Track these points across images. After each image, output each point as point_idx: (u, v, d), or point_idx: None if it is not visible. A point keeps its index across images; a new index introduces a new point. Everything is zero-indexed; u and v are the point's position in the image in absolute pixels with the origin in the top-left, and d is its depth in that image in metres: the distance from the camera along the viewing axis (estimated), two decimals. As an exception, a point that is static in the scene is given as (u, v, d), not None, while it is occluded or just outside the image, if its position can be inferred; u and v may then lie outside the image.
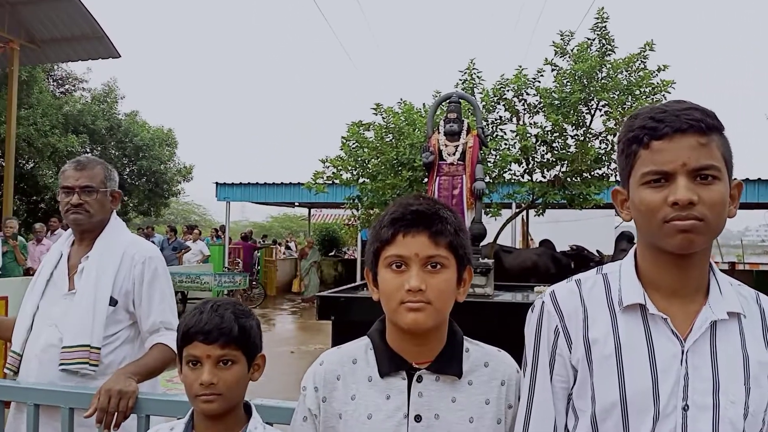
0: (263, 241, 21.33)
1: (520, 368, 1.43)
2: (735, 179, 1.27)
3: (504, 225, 10.57)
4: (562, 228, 19.10)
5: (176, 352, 1.65)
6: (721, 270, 1.38)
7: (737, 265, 20.24)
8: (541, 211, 10.36)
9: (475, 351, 1.45)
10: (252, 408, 1.71)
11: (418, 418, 1.35)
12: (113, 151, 22.07)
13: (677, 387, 1.22)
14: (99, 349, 2.23)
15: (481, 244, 7.28)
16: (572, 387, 1.33)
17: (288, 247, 24.90)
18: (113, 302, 2.29)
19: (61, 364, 2.18)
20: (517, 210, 11.42)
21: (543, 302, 1.38)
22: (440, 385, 1.38)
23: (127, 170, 22.72)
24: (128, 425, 2.01)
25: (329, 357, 1.47)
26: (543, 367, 1.35)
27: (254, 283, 16.39)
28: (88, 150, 21.78)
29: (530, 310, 1.41)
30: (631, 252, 1.36)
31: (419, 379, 1.37)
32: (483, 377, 1.42)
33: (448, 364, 1.39)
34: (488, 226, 7.64)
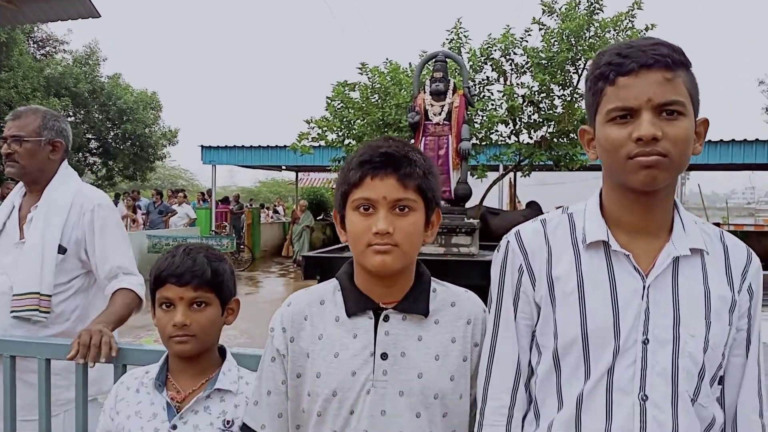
0: (251, 206, 21.26)
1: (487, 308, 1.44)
2: (701, 117, 1.27)
3: (490, 186, 10.57)
4: (548, 190, 19.19)
5: (139, 297, 1.64)
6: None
7: (722, 226, 20.46)
8: (527, 173, 10.36)
9: (442, 291, 1.46)
10: (226, 351, 1.72)
11: (384, 356, 1.36)
12: (96, 115, 21.77)
13: (638, 321, 1.24)
14: (49, 296, 2.24)
15: (468, 205, 7.30)
16: (536, 324, 1.35)
17: (276, 212, 24.89)
18: (62, 250, 2.29)
19: (12, 311, 2.20)
20: (504, 172, 11.41)
21: (508, 241, 1.39)
22: (407, 324, 1.39)
23: (111, 134, 22.48)
24: (106, 375, 2.02)
25: (297, 298, 1.48)
26: (507, 304, 1.37)
27: (242, 246, 16.39)
28: (71, 113, 21.47)
29: (496, 249, 1.42)
30: (597, 191, 1.37)
31: (386, 319, 1.38)
32: (449, 316, 1.43)
33: (415, 304, 1.40)
34: (475, 188, 7.65)
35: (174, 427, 1.57)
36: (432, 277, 1.48)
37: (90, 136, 22.45)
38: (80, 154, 22.26)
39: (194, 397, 1.61)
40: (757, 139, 14.89)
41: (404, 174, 1.33)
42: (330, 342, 1.39)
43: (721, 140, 14.76)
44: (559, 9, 9.14)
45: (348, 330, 1.39)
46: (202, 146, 17.94)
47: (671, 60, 1.19)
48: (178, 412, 1.59)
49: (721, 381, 1.32)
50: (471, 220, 6.75)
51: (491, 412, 1.36)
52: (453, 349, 1.40)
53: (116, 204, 15.58)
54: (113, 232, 2.38)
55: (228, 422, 1.58)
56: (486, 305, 1.46)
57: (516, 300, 1.36)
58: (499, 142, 9.90)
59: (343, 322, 1.40)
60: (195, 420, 1.58)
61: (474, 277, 6.01)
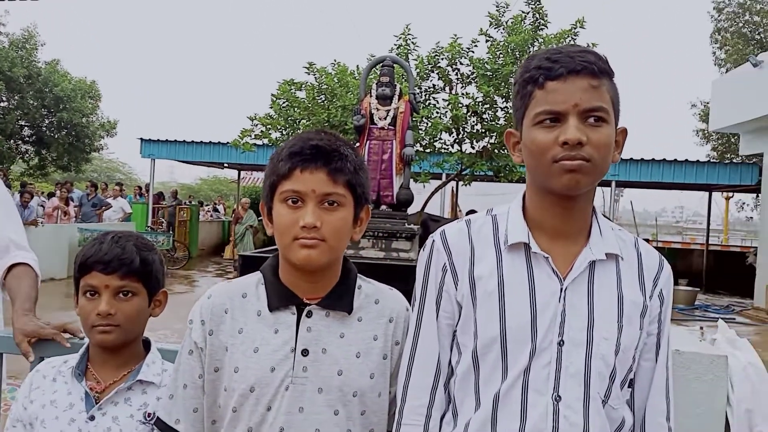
0: (189, 202, 20.81)
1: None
2: (621, 127, 1.31)
3: (432, 194, 10.67)
4: (490, 201, 19.48)
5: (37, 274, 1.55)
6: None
7: (651, 242, 21.26)
8: (468, 182, 10.51)
9: (367, 288, 1.46)
10: (151, 344, 1.67)
11: (305, 353, 1.34)
12: (31, 101, 20.92)
13: (554, 323, 1.26)
14: None
15: (410, 211, 7.35)
16: (457, 323, 1.35)
17: (216, 210, 24.45)
18: None
19: None
20: (446, 180, 11.55)
21: (433, 241, 1.40)
22: (329, 321, 1.38)
23: (46, 122, 21.65)
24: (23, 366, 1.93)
25: (218, 290, 1.44)
26: (430, 303, 1.37)
27: (178, 244, 16.02)
28: (4, 98, 20.58)
29: (422, 249, 1.43)
30: (520, 194, 1.39)
31: (309, 314, 1.37)
32: (372, 314, 1.42)
33: (339, 301, 1.39)
34: (417, 194, 7.70)
35: (91, 417, 1.52)
36: (358, 274, 1.46)
37: (23, 123, 21.57)
38: (12, 141, 21.35)
39: (115, 388, 1.56)
40: (686, 160, 15.57)
41: (335, 168, 1.32)
42: (250, 336, 1.36)
43: (653, 159, 15.36)
44: (506, 22, 9.34)
45: (269, 325, 1.36)
46: (141, 139, 17.45)
47: (597, 68, 1.23)
48: (97, 403, 1.54)
49: (632, 384, 1.36)
50: (411, 226, 6.79)
51: (410, 411, 1.35)
52: (374, 346, 1.40)
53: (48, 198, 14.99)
54: (4, 205, 2.26)
55: (149, 415, 1.54)
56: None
57: (439, 299, 1.36)
58: (442, 150, 10.01)
59: (264, 317, 1.37)
60: (114, 411, 1.53)
61: (412, 282, 6.05)
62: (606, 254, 1.30)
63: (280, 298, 1.38)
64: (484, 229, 1.37)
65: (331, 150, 1.33)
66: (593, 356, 1.26)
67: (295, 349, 1.34)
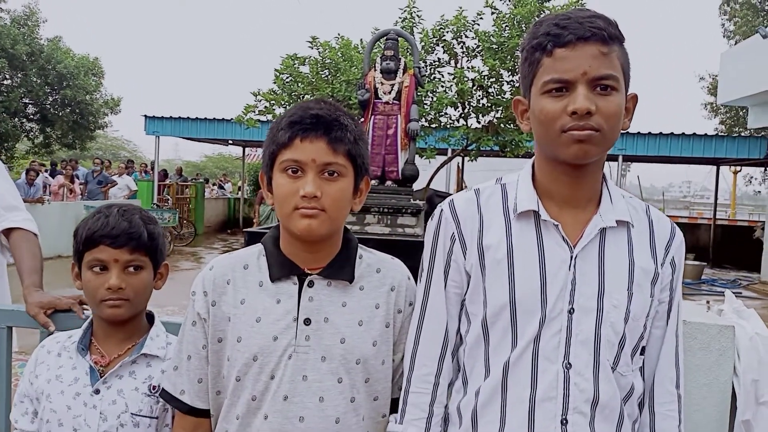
0: (195, 180, 20.82)
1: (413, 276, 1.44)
2: (631, 93, 1.29)
3: (438, 169, 10.64)
4: (495, 176, 19.40)
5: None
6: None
7: (658, 217, 21.14)
8: (474, 157, 10.45)
9: (369, 257, 1.45)
10: (155, 317, 1.67)
11: (307, 322, 1.34)
12: (34, 79, 20.80)
13: (564, 291, 1.26)
14: None
15: (415, 187, 7.32)
16: (465, 292, 1.36)
17: (221, 187, 24.47)
18: None
19: None
20: (451, 155, 11.50)
21: (441, 210, 1.39)
22: (331, 290, 1.38)
23: (50, 99, 21.55)
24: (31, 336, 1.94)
25: (220, 262, 1.44)
26: (438, 272, 1.37)
27: (185, 221, 16.06)
28: (7, 76, 20.50)
29: (430, 218, 1.42)
30: (530, 163, 1.38)
31: (310, 284, 1.37)
32: (374, 283, 1.42)
33: (340, 270, 1.39)
34: (422, 170, 7.67)
35: (97, 391, 1.52)
36: (359, 245, 1.46)
37: (27, 101, 21.50)
38: (16, 119, 21.32)
39: (119, 361, 1.56)
40: (694, 134, 15.44)
41: (335, 138, 1.31)
42: (252, 306, 1.36)
43: (660, 133, 15.24)
44: (512, -6, 9.21)
45: (271, 295, 1.37)
46: (145, 116, 17.42)
47: (607, 34, 1.20)
48: (101, 377, 1.54)
49: (644, 352, 1.35)
50: (417, 201, 6.77)
51: (418, 379, 1.37)
52: (376, 315, 1.40)
53: (53, 175, 15.02)
54: None
55: (154, 387, 1.54)
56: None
57: (447, 268, 1.36)
58: (448, 125, 9.95)
59: (266, 287, 1.37)
60: (119, 384, 1.54)
61: (418, 258, 6.06)
62: (616, 221, 1.30)
63: (281, 268, 1.37)
64: (494, 198, 1.36)
65: (331, 119, 1.32)
66: (603, 324, 1.26)
67: (297, 318, 1.34)
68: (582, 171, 1.28)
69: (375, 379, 1.39)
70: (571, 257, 1.27)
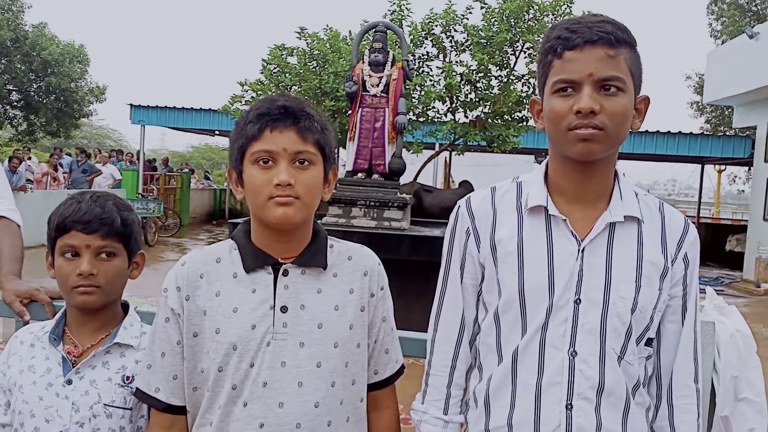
0: (181, 170, 20.67)
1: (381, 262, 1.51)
2: (642, 95, 1.34)
3: (425, 164, 10.63)
4: (482, 171, 19.49)
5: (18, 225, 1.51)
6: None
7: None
8: (461, 152, 10.45)
9: (339, 246, 1.48)
10: (129, 306, 1.64)
11: (284, 309, 1.36)
12: (19, 65, 20.56)
13: (571, 282, 1.32)
14: None
15: (402, 181, 7.30)
16: (480, 283, 1.44)
17: (207, 178, 24.34)
18: None
19: None
20: (439, 149, 11.49)
21: (459, 206, 1.48)
22: (306, 278, 1.40)
23: (34, 86, 21.33)
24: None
25: (192, 257, 1.44)
26: (455, 264, 1.47)
27: (170, 212, 15.96)
28: (-10, 62, 20.23)
29: (452, 213, 1.50)
30: (545, 161, 1.44)
31: (285, 273, 1.38)
32: (347, 269, 1.45)
33: (314, 258, 1.41)
34: (410, 164, 7.65)
35: (69, 381, 1.49)
36: (328, 235, 1.49)
37: (11, 88, 21.25)
38: (0, 106, 21.06)
39: (92, 351, 1.53)
40: (680, 132, 15.55)
41: (303, 127, 1.34)
42: (228, 297, 1.37)
43: (646, 131, 15.32)
44: (501, -12, 9.19)
45: (246, 285, 1.37)
46: (131, 105, 17.28)
47: (614, 37, 1.26)
48: (74, 367, 1.51)
49: (649, 342, 1.39)
50: (403, 195, 6.76)
51: (436, 363, 1.49)
52: (351, 299, 1.43)
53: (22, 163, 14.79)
54: None
55: (128, 378, 1.52)
56: (398, 271, 1.49)
57: (463, 261, 1.45)
58: (435, 119, 9.93)
59: (241, 278, 1.38)
60: (92, 375, 1.51)
61: (404, 251, 6.05)
62: (625, 216, 1.34)
63: (255, 259, 1.38)
64: (508, 195, 1.44)
65: (298, 110, 1.35)
66: (609, 314, 1.31)
67: (274, 306, 1.35)
68: (591, 168, 1.33)
69: (352, 362, 1.41)
70: (579, 250, 1.33)
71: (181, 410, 1.41)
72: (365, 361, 1.45)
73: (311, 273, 1.40)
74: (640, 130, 15.14)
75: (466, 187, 12.30)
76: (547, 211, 1.36)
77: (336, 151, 1.46)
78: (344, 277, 1.44)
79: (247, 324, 1.34)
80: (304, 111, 1.35)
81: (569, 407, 1.30)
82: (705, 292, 2.01)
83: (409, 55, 8.43)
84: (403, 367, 1.55)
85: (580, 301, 1.31)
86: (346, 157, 6.77)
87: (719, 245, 16.54)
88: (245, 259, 1.39)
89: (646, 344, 1.38)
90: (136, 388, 1.45)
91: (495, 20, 9.05)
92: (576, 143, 1.26)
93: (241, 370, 1.34)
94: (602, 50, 1.25)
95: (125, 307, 1.65)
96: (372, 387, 1.49)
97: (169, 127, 19.21)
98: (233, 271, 1.39)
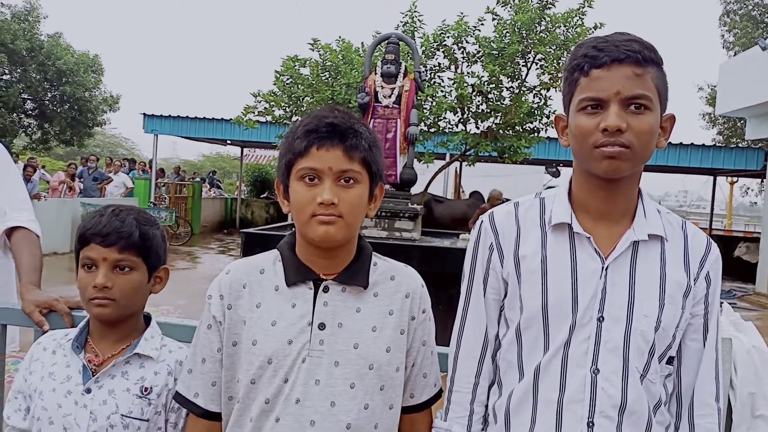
0: (192, 179, 20.78)
1: (425, 284, 1.49)
2: (668, 113, 1.34)
3: (436, 174, 10.63)
4: (493, 182, 19.43)
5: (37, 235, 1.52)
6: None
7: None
8: (472, 162, 10.45)
9: (383, 265, 1.47)
10: (152, 319, 1.66)
11: (321, 326, 1.36)
12: (34, 74, 20.80)
13: (594, 299, 1.32)
14: None
15: (413, 191, 7.31)
16: (503, 298, 1.43)
17: (218, 187, 24.44)
18: None
19: None
20: (450, 160, 11.49)
21: (482, 221, 1.47)
22: (346, 296, 1.39)
23: (49, 95, 21.56)
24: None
25: (236, 266, 1.45)
26: (478, 279, 1.46)
27: (182, 220, 16.04)
28: (6, 71, 20.47)
29: (474, 228, 1.50)
30: (569, 177, 1.45)
31: (326, 289, 1.38)
32: (388, 290, 1.44)
33: (355, 276, 1.41)
34: (420, 174, 7.65)
35: (88, 390, 1.51)
36: (373, 252, 1.47)
37: (26, 96, 21.48)
38: (15, 114, 21.28)
39: (112, 361, 1.55)
40: (692, 144, 15.47)
41: (350, 145, 1.33)
42: (268, 310, 1.38)
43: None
44: (513, 0, 9.22)
45: (287, 299, 1.38)
46: (144, 114, 17.40)
47: (642, 56, 1.26)
48: (94, 376, 1.53)
49: (670, 361, 1.39)
50: (414, 206, 6.77)
51: (459, 380, 1.46)
52: (390, 321, 1.41)
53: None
54: (8, 170, 2.23)
55: (146, 389, 1.53)
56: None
57: (486, 276, 1.44)
58: (447, 130, 9.94)
59: (282, 292, 1.39)
60: (111, 384, 1.52)
61: (414, 261, 6.05)
62: (649, 235, 1.34)
63: (297, 273, 1.39)
64: (532, 211, 1.43)
65: (346, 127, 1.34)
66: (632, 332, 1.31)
67: (312, 322, 1.36)
68: (615, 185, 1.33)
69: (390, 386, 1.40)
70: (603, 268, 1.32)
71: (217, 417, 1.43)
72: (402, 385, 1.44)
73: (352, 291, 1.40)
74: (652, 141, 15.10)
75: (476, 197, 12.32)
76: (571, 228, 1.36)
77: None
78: (385, 297, 1.42)
79: (284, 338, 1.35)
80: (352, 128, 1.35)
81: (590, 425, 1.30)
82: (722, 307, 2.00)
83: (421, 66, 8.47)
84: (441, 391, 1.53)
85: (603, 318, 1.31)
86: (358, 168, 6.77)
87: (731, 257, 16.41)
88: (288, 272, 1.40)
89: (667, 363, 1.38)
90: (176, 391, 1.47)
91: (507, 32, 9.06)
92: (602, 161, 1.26)
93: (275, 385, 1.34)
94: (629, 69, 1.25)
95: (147, 319, 1.66)
96: (406, 410, 1.47)
97: (182, 137, 19.33)
98: (275, 283, 1.40)
